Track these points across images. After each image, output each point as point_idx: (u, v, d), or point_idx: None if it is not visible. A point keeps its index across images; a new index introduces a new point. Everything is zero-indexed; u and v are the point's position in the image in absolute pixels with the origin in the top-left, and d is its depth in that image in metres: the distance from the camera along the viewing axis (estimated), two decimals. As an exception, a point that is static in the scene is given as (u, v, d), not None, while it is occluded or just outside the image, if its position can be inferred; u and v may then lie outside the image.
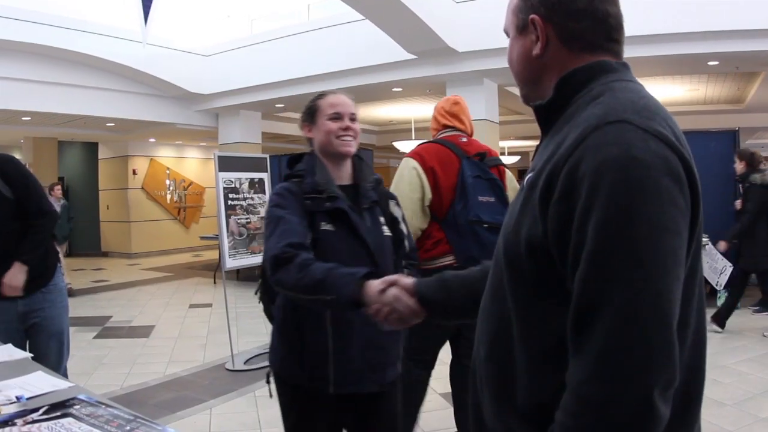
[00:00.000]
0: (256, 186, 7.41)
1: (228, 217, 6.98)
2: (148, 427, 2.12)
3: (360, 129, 2.77)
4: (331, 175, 2.64)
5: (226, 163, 7.17)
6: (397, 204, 2.85)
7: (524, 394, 1.30)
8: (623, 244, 1.09)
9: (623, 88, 1.28)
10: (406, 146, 16.59)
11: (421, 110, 15.25)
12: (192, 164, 21.15)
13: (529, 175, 1.34)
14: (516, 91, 12.62)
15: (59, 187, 11.88)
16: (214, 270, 13.55)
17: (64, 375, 4.19)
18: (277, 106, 14.19)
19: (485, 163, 3.92)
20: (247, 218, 7.23)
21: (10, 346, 3.39)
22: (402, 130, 18.66)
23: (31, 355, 3.42)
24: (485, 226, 3.64)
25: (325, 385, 2.54)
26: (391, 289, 2.01)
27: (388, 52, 10.58)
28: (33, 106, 12.54)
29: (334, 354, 2.53)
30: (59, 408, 2.31)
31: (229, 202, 7.05)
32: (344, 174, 2.72)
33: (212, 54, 14.01)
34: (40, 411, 2.27)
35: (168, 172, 20.10)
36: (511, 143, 20.65)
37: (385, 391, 2.70)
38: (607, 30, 1.37)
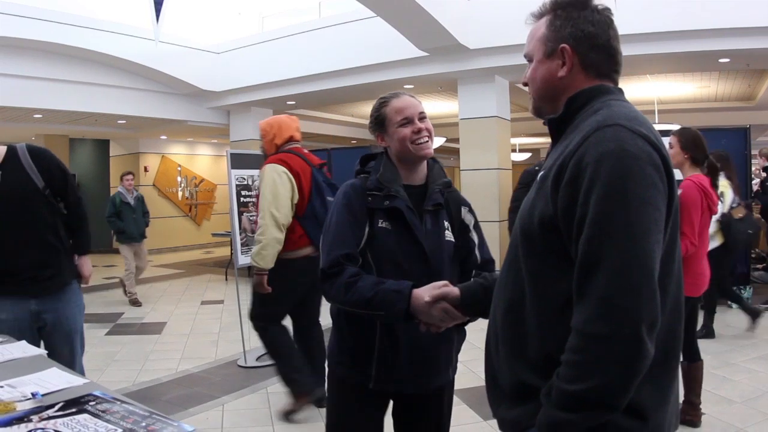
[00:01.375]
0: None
1: (240, 213, 6.99)
2: (164, 423, 2.14)
3: (432, 126, 2.77)
4: (398, 174, 2.65)
5: (238, 161, 7.17)
6: (471, 211, 2.81)
7: (535, 348, 1.64)
8: (618, 213, 1.43)
9: (617, 104, 1.64)
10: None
11: (432, 107, 15.25)
12: (203, 161, 21.20)
13: (542, 172, 1.70)
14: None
15: (131, 176, 10.96)
16: (225, 267, 13.58)
17: (80, 372, 4.23)
18: (288, 103, 14.20)
19: (322, 171, 4.96)
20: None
21: (24, 342, 3.40)
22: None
23: (46, 351, 3.44)
24: None
25: (367, 380, 2.59)
26: (439, 304, 2.27)
27: (399, 50, 10.57)
28: (45, 104, 12.59)
29: (379, 351, 2.57)
30: (75, 404, 2.33)
31: (242, 199, 7.06)
32: (417, 175, 2.71)
33: (224, 51, 14.03)
34: (56, 407, 2.29)
35: (179, 169, 20.16)
36: (522, 140, 20.65)
37: (430, 395, 2.71)
38: (614, 63, 1.76)
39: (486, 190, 10.89)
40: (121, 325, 8.72)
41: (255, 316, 4.95)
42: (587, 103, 1.68)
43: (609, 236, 1.43)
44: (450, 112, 15.27)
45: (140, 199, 10.74)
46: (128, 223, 10.15)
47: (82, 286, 4.05)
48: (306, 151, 5.00)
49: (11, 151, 3.68)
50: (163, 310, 9.77)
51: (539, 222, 1.60)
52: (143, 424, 2.12)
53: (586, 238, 1.46)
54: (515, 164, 13.93)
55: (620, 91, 1.74)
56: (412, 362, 2.58)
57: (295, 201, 4.72)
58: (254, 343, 7.32)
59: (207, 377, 6.31)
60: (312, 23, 12.42)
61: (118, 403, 2.33)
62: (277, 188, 4.65)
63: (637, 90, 13.48)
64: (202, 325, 8.80)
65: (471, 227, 2.74)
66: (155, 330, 8.46)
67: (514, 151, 17.89)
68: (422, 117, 2.69)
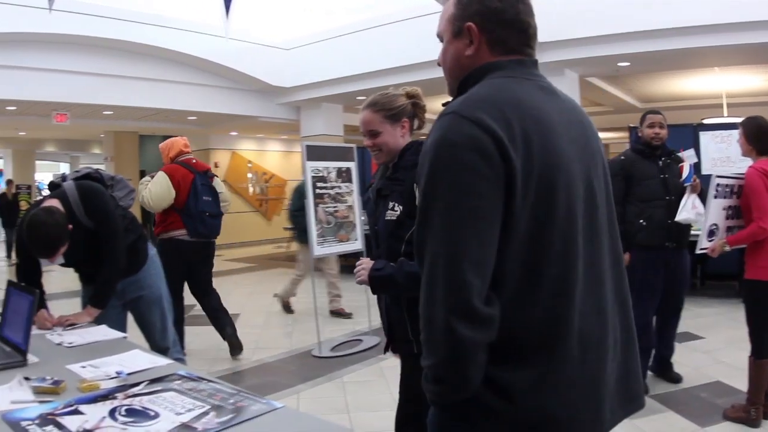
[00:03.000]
0: (344, 175, 7.38)
1: (316, 205, 6.99)
2: (252, 400, 2.14)
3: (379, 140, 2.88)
4: (380, 168, 2.99)
5: (314, 153, 7.16)
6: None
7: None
8: (432, 204, 1.45)
9: (490, 84, 1.60)
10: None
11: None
12: (273, 157, 21.40)
13: None
14: (598, 82, 12.37)
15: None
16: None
17: (173, 340, 4.29)
18: (358, 98, 14.20)
19: (207, 175, 6.44)
20: (334, 207, 7.20)
21: (104, 326, 3.47)
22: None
23: (126, 335, 3.50)
24: (207, 214, 6.26)
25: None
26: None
27: None
28: (116, 101, 12.86)
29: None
30: (160, 383, 2.34)
31: (317, 190, 7.05)
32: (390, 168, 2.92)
33: (292, 48, 14.12)
34: (141, 386, 2.30)
35: (250, 165, 20.38)
36: None
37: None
38: (526, 37, 1.68)
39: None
40: (194, 317, 8.77)
41: None
42: (476, 83, 1.63)
43: (425, 227, 1.46)
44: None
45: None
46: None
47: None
48: (194, 161, 6.48)
49: (64, 200, 3.63)
50: (236, 303, 9.81)
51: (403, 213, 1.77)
52: (231, 401, 2.12)
53: (416, 224, 1.51)
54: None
55: (520, 63, 1.68)
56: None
57: (173, 197, 6.12)
58: (329, 334, 7.36)
59: (282, 366, 6.33)
60: (380, 18, 12.37)
61: (204, 381, 2.34)
62: (159, 189, 6.11)
63: (705, 83, 13.18)
64: (276, 316, 8.84)
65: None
66: (229, 321, 8.48)
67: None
68: (370, 133, 2.84)
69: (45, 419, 1.98)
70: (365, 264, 2.68)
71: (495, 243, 1.44)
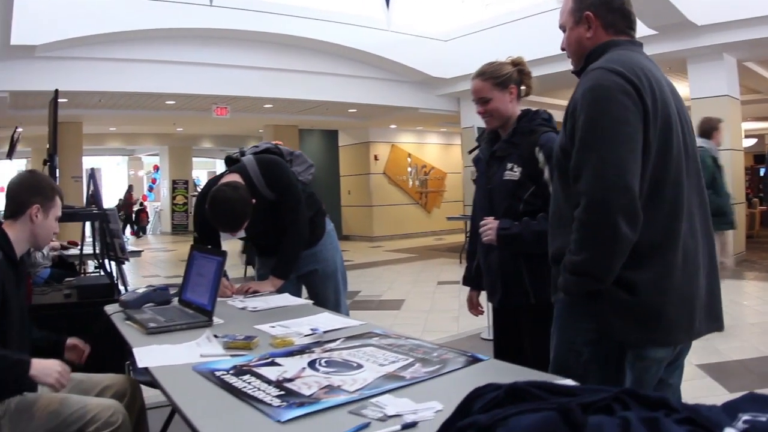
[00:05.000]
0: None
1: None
2: (457, 353, 2.03)
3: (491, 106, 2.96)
4: (490, 132, 3.11)
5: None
6: (541, 150, 3.00)
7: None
8: (595, 129, 1.86)
9: (618, 54, 2.02)
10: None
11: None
12: (432, 150, 21.34)
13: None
14: (756, 67, 11.72)
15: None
16: (459, 251, 13.49)
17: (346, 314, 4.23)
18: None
19: None
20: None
21: (286, 295, 3.43)
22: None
23: (311, 301, 3.44)
24: None
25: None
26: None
27: None
28: (276, 93, 13.12)
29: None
30: (357, 339, 2.24)
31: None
32: (505, 131, 3.00)
33: (451, 39, 14.01)
34: (338, 341, 2.21)
35: (409, 159, 20.42)
36: (749, 125, 18.94)
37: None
38: (629, 21, 2.13)
39: (718, 172, 10.31)
40: (359, 302, 8.82)
41: None
42: (600, 56, 2.04)
43: (590, 147, 1.87)
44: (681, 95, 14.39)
45: None
46: None
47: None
48: None
49: (244, 174, 3.61)
50: (400, 290, 9.81)
51: (560, 149, 2.04)
52: (434, 354, 2.01)
53: (575, 150, 1.91)
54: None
55: (632, 43, 2.12)
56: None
57: None
58: (497, 319, 7.17)
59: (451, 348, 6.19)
60: (535, 7, 12.00)
61: (403, 338, 2.23)
62: None
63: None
64: (441, 302, 8.73)
65: (541, 163, 2.82)
66: (394, 306, 8.48)
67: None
68: (480, 100, 2.94)
69: (240, 370, 1.91)
70: (491, 224, 2.78)
71: (640, 162, 1.85)
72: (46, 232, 2.61)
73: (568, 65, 2.52)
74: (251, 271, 4.59)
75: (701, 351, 5.29)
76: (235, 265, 8.86)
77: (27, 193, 2.55)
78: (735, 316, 6.71)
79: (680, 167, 1.94)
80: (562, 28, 2.23)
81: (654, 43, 10.21)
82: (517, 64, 2.99)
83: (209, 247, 3.42)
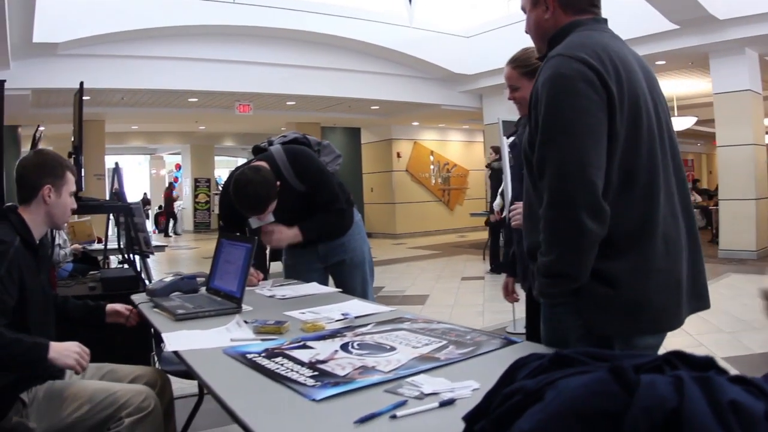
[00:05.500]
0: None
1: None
2: (489, 336, 2.01)
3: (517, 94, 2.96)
4: None
5: (509, 129, 6.96)
6: None
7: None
8: (555, 121, 1.78)
9: (580, 35, 1.92)
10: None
11: (682, 86, 14.27)
12: (455, 147, 21.30)
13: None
14: None
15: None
16: (483, 248, 13.40)
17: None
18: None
19: None
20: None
21: (315, 284, 3.41)
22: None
23: (339, 289, 3.42)
24: None
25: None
26: None
27: (648, 24, 10.08)
28: (300, 90, 13.14)
29: None
30: (389, 324, 2.22)
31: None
32: None
33: (473, 35, 13.97)
34: (369, 326, 2.19)
35: (432, 156, 20.38)
36: None
37: None
38: None
39: (742, 168, 10.58)
40: (383, 297, 8.80)
41: None
42: (563, 39, 1.94)
43: (551, 140, 1.78)
44: (701, 91, 14.35)
45: None
46: None
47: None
48: None
49: (272, 162, 3.59)
50: (424, 285, 9.79)
51: (527, 142, 1.95)
52: (468, 337, 1.98)
53: (538, 144, 1.83)
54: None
55: (596, 21, 2.01)
56: None
57: None
58: (522, 313, 7.12)
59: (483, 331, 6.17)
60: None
61: (435, 322, 2.21)
62: None
63: None
64: (465, 297, 8.71)
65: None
66: (418, 301, 8.46)
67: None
68: (511, 87, 2.95)
69: (272, 353, 1.89)
70: (520, 208, 2.67)
71: (605, 154, 1.77)
72: (62, 211, 2.56)
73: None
74: (274, 267, 4.56)
75: (727, 345, 5.33)
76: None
77: (35, 174, 2.50)
78: (759, 310, 6.64)
79: (654, 150, 1.87)
80: (523, 9, 2.16)
81: (676, 38, 10.23)
82: None
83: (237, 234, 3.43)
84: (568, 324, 1.88)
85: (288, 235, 3.55)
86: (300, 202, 3.61)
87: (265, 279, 3.63)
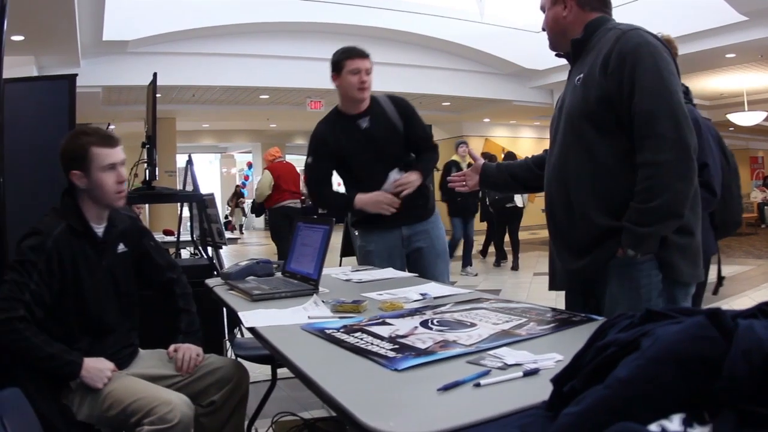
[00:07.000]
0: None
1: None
2: (569, 313, 2.00)
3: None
4: None
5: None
6: None
7: (610, 197, 2.18)
8: (659, 80, 2.03)
9: (621, 24, 2.21)
10: (740, 119, 15.80)
11: (752, 80, 13.79)
12: (527, 143, 21.05)
13: (579, 76, 2.23)
14: None
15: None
16: (554, 244, 13.28)
17: None
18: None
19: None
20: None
21: (390, 269, 3.40)
22: (733, 104, 16.76)
23: (416, 274, 3.41)
24: None
25: None
26: None
27: (717, 15, 9.70)
28: (372, 86, 13.03)
29: None
30: (468, 303, 2.21)
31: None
32: None
33: (543, 30, 13.76)
34: (448, 305, 2.18)
35: (504, 153, 20.21)
36: None
37: None
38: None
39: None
40: (455, 293, 8.78)
41: None
42: (598, 28, 2.22)
43: (658, 94, 2.01)
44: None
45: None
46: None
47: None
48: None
49: (373, 99, 3.99)
50: (495, 279, 9.76)
51: (597, 102, 2.12)
52: (548, 315, 1.95)
53: (642, 98, 2.02)
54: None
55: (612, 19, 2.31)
56: None
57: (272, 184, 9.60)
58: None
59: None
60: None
61: (514, 302, 2.21)
62: (263, 184, 9.83)
63: None
64: (538, 292, 8.62)
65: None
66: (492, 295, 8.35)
67: None
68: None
69: (351, 329, 1.89)
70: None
71: None
72: (101, 189, 2.44)
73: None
74: (347, 261, 4.58)
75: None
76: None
77: (62, 166, 2.45)
78: None
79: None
80: (542, 8, 2.41)
81: (744, 30, 9.80)
82: None
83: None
84: (650, 280, 2.08)
85: (415, 176, 3.75)
86: (399, 146, 3.94)
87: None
